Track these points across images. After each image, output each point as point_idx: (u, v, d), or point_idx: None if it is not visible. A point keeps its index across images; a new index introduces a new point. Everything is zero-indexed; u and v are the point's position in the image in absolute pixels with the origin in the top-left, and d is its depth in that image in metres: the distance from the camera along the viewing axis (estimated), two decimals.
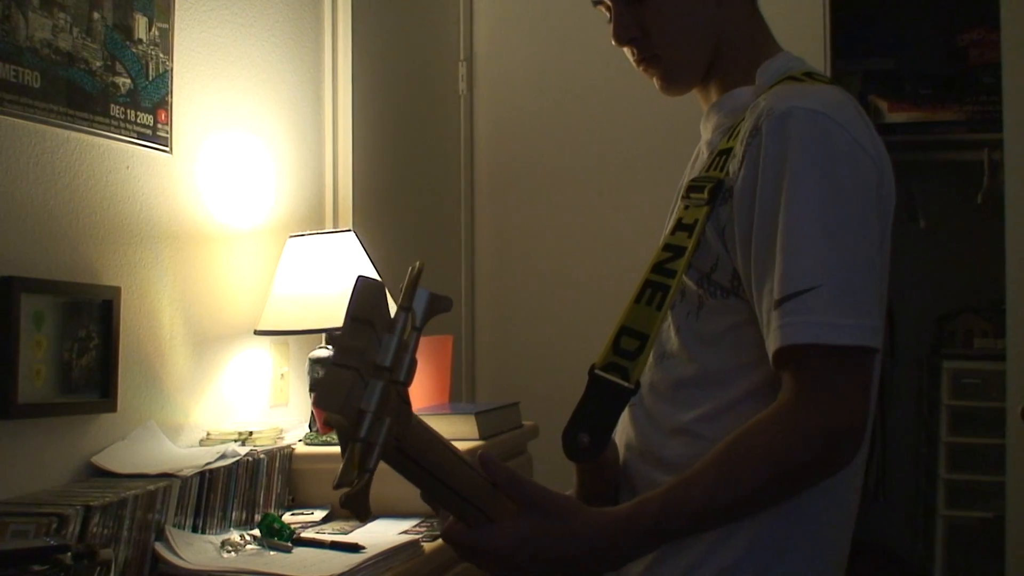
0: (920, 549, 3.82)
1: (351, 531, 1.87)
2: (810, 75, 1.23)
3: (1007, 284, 2.81)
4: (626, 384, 1.17)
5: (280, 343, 2.35)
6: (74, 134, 1.79)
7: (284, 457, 2.03)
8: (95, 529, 1.50)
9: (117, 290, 1.85)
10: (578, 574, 1.08)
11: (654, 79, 1.31)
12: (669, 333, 1.24)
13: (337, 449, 2.13)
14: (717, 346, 1.19)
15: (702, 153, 1.32)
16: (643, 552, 1.11)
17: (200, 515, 1.76)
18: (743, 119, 1.18)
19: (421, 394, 2.40)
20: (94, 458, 1.79)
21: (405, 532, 1.87)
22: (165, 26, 2.00)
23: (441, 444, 1.04)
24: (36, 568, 1.27)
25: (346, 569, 1.63)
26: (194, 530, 1.74)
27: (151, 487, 1.65)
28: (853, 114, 1.16)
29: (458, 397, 3.16)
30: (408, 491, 1.09)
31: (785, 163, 1.09)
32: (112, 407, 1.83)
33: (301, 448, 2.11)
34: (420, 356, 2.72)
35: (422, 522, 1.95)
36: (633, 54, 1.29)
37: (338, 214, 2.61)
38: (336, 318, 2.18)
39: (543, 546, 1.05)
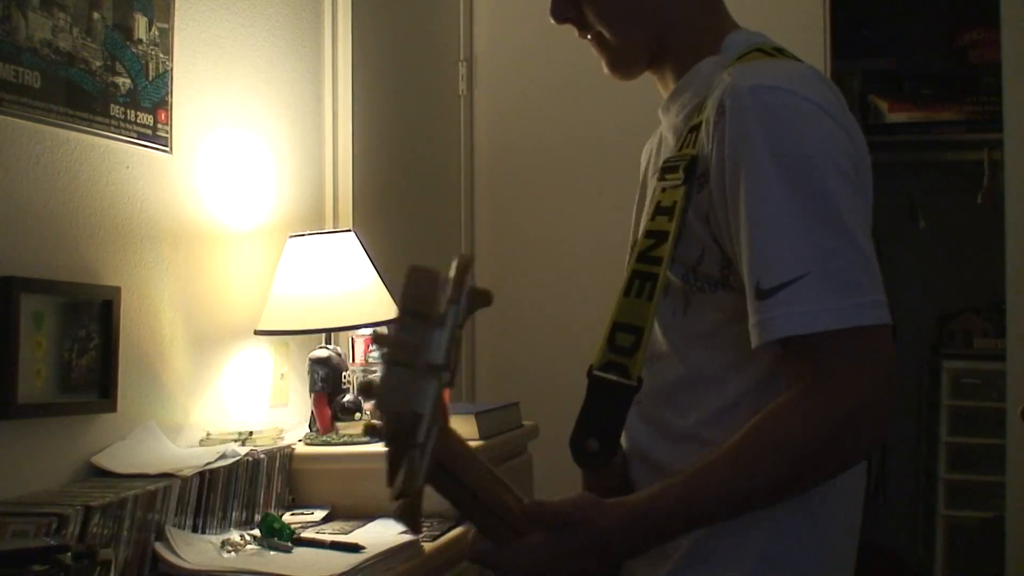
0: (920, 549, 3.82)
1: (351, 531, 1.87)
2: (780, 51, 1.18)
3: (1007, 284, 2.81)
4: (627, 382, 1.13)
5: (280, 343, 2.35)
6: (74, 134, 1.79)
7: (284, 457, 2.03)
8: (95, 529, 1.50)
9: (117, 290, 1.85)
10: (600, 569, 1.06)
11: (602, 62, 1.26)
12: (656, 334, 1.19)
13: (336, 450, 2.14)
14: (709, 344, 1.15)
15: (667, 139, 1.27)
16: (657, 543, 1.09)
17: (200, 515, 1.76)
18: (709, 94, 1.13)
19: None
20: (94, 458, 1.78)
21: (405, 532, 1.87)
22: (165, 26, 2.00)
23: (473, 455, 0.99)
24: (36, 568, 1.26)
25: (346, 569, 1.63)
26: (194, 530, 1.74)
27: (151, 487, 1.65)
28: (822, 88, 1.11)
29: (458, 397, 3.15)
30: None
31: (749, 146, 1.05)
32: (112, 407, 1.83)
33: (301, 448, 2.11)
34: None
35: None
36: (579, 33, 1.25)
37: (338, 214, 2.61)
38: (336, 318, 2.18)
39: (570, 554, 1.04)
